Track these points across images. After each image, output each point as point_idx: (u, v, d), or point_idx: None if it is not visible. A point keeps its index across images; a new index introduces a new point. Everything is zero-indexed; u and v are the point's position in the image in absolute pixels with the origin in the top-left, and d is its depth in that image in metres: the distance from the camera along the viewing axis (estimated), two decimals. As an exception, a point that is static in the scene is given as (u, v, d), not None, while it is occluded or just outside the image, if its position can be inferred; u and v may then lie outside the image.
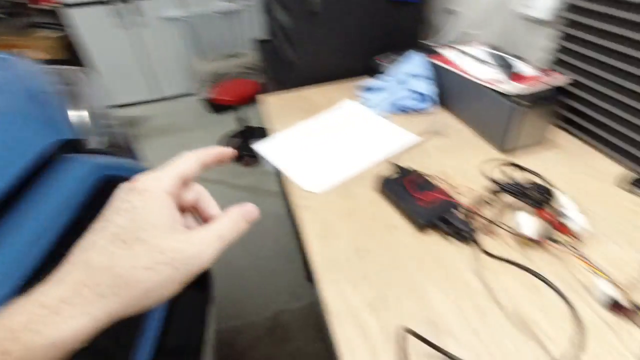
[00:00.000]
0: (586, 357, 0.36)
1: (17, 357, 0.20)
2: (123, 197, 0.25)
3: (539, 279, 0.41)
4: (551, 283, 0.40)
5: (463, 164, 0.63)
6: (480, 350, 0.37)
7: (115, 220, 0.24)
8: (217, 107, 2.33)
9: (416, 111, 0.81)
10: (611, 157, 0.63)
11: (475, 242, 0.48)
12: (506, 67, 0.66)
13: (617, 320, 0.39)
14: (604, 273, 0.42)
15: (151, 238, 0.24)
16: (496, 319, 0.40)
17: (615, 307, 0.40)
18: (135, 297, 0.23)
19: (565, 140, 0.68)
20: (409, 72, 0.81)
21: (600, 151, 0.65)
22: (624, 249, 0.47)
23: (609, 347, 0.37)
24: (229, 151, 0.31)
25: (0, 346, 0.19)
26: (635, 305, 0.39)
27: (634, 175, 0.57)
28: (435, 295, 0.43)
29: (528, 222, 0.47)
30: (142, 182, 0.25)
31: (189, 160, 0.28)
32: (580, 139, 0.68)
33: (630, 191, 0.55)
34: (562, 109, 0.70)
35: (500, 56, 0.70)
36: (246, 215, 0.29)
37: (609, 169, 0.60)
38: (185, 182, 0.28)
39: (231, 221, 0.28)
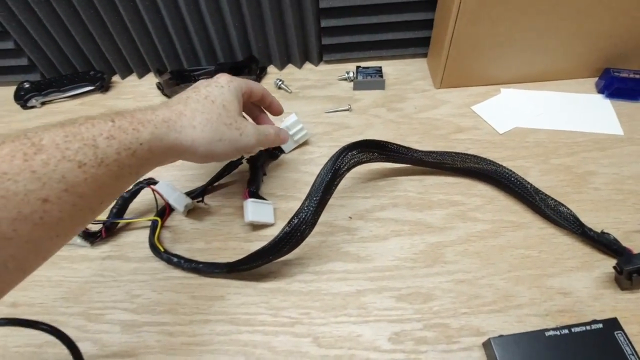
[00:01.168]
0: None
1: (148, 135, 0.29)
2: (212, 81, 0.36)
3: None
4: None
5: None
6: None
7: (208, 89, 0.35)
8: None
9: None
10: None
11: None
12: None
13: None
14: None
15: (231, 110, 0.35)
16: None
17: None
18: (215, 140, 0.33)
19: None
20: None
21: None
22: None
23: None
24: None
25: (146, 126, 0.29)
26: None
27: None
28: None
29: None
30: (231, 76, 0.37)
31: (258, 87, 0.40)
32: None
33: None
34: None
35: None
36: (281, 135, 0.41)
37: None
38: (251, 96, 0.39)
39: (270, 132, 0.39)
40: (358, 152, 0.38)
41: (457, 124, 0.51)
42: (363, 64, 0.59)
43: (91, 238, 0.41)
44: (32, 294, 0.39)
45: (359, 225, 0.42)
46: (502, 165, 0.42)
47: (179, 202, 0.42)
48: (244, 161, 0.46)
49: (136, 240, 0.42)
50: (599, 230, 0.38)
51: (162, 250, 0.40)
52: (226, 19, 0.55)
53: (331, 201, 0.44)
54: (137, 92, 0.60)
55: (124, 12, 0.53)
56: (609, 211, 0.41)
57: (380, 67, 0.57)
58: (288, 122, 0.47)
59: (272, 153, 0.48)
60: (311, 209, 0.34)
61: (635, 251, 0.36)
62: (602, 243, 0.37)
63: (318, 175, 0.36)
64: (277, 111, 0.44)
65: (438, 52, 0.52)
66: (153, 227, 0.42)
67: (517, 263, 0.38)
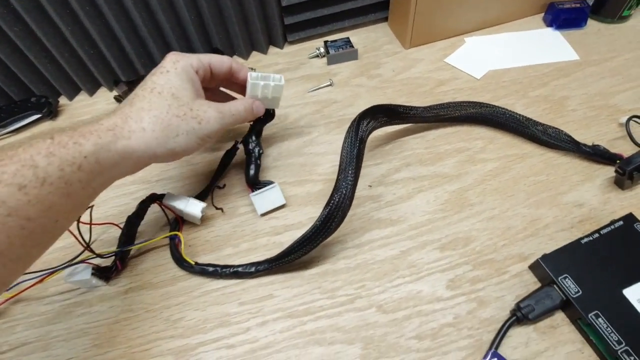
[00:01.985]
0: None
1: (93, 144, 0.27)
2: (158, 68, 0.32)
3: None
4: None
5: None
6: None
7: (153, 79, 0.32)
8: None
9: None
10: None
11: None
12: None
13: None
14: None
15: (183, 96, 0.31)
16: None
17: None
18: (170, 138, 0.30)
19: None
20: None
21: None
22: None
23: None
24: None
25: (91, 133, 0.27)
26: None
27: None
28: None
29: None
30: (178, 55, 0.33)
31: (219, 60, 0.36)
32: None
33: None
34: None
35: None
36: (254, 108, 0.38)
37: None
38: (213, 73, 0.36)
39: (239, 109, 0.36)
40: (370, 120, 0.38)
41: (436, 78, 0.53)
42: (328, 38, 0.58)
43: (106, 274, 0.36)
44: (56, 352, 0.34)
45: (381, 191, 0.42)
46: (494, 105, 0.45)
47: (193, 209, 0.38)
48: (239, 146, 0.43)
49: (155, 263, 0.39)
50: (590, 144, 0.42)
51: (193, 263, 0.37)
52: (181, 13, 0.50)
53: (346, 175, 0.44)
54: (93, 111, 0.54)
55: (60, 22, 0.46)
56: (589, 127, 0.45)
57: (348, 38, 0.57)
58: (253, 80, 0.37)
59: (261, 119, 0.42)
60: (349, 182, 0.34)
61: (625, 155, 0.41)
62: (597, 154, 0.41)
63: (343, 149, 0.35)
64: None
65: (403, 14, 0.53)
66: (174, 244, 0.38)
67: (532, 190, 0.41)
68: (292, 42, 0.59)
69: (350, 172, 0.34)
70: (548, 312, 0.32)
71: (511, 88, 0.50)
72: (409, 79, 0.53)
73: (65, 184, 0.25)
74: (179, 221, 0.40)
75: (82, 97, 0.56)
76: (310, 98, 0.52)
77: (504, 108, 0.44)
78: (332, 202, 0.33)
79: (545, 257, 0.34)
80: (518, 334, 0.32)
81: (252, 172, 0.40)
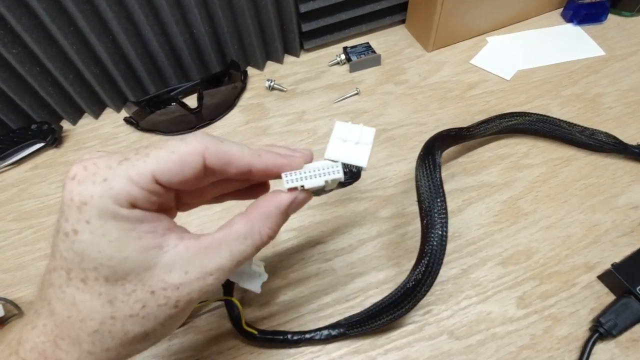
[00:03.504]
0: None
1: None
2: (64, 213, 0.16)
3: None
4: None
5: None
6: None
7: (60, 249, 0.16)
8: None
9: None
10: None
11: None
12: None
13: None
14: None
15: (126, 273, 0.16)
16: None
17: None
18: (127, 346, 0.18)
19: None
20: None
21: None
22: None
23: None
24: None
25: None
26: None
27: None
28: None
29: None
30: (87, 187, 0.16)
31: (192, 156, 0.17)
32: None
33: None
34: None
35: None
36: (281, 206, 0.21)
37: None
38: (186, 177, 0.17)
39: (246, 247, 0.19)
40: (439, 150, 0.33)
41: (465, 81, 0.51)
42: (345, 44, 0.56)
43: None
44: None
45: (430, 206, 0.40)
46: (533, 113, 0.43)
47: (252, 281, 0.30)
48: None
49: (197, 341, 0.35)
50: (635, 144, 0.41)
51: (256, 333, 0.32)
52: (195, 25, 0.47)
53: (391, 190, 0.42)
54: (101, 135, 0.49)
55: (64, 40, 0.42)
56: (629, 124, 0.45)
57: (368, 43, 0.54)
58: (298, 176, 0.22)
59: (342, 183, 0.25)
60: (442, 220, 0.28)
61: (672, 152, 0.40)
62: (645, 153, 0.40)
63: (421, 184, 0.30)
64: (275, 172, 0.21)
65: (426, 15, 0.51)
66: (232, 312, 0.33)
67: (584, 194, 0.40)
68: (308, 50, 0.56)
69: (437, 209, 0.28)
70: (632, 326, 0.31)
71: (543, 88, 0.49)
72: (436, 83, 0.51)
73: None
74: (231, 283, 0.33)
75: (87, 121, 0.51)
76: (337, 109, 0.49)
77: (542, 115, 0.43)
78: (427, 251, 0.28)
79: (617, 266, 0.33)
80: (600, 350, 0.31)
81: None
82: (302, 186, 0.21)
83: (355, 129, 0.25)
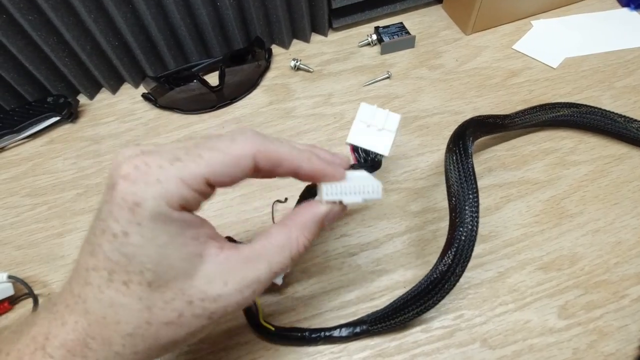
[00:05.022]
0: None
1: None
2: (109, 212, 0.15)
3: None
4: None
5: None
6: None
7: (104, 249, 0.16)
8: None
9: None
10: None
11: None
12: None
13: None
14: None
15: (168, 280, 0.16)
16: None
17: None
18: (155, 350, 0.17)
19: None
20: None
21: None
22: None
23: None
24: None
25: None
26: None
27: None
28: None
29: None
30: (140, 187, 0.15)
31: (244, 158, 0.17)
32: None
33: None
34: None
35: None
36: (316, 217, 0.20)
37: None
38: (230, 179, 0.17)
39: (284, 257, 0.19)
40: (471, 137, 0.31)
41: (506, 68, 0.47)
42: (377, 24, 0.52)
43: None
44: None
45: (464, 202, 0.37)
46: (582, 104, 0.39)
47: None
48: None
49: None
50: (699, 143, 0.37)
51: (273, 329, 0.30)
52: (218, -4, 0.44)
53: (422, 182, 0.39)
54: (118, 111, 0.48)
55: (82, 9, 0.40)
56: (690, 122, 0.40)
57: (402, 23, 0.51)
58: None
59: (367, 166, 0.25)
60: (473, 212, 0.26)
61: None
62: None
63: (450, 175, 0.28)
64: (327, 173, 0.20)
65: (466, -6, 0.47)
66: (248, 308, 0.31)
67: (638, 197, 0.36)
68: (336, 29, 0.53)
69: (466, 198, 0.26)
70: (691, 348, 0.28)
71: (593, 78, 0.45)
72: (475, 69, 0.47)
73: None
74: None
75: (104, 96, 0.49)
76: (367, 93, 0.46)
77: (592, 106, 0.39)
78: (455, 241, 0.26)
79: (676, 280, 0.30)
80: (652, 371, 0.28)
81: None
82: (341, 201, 0.21)
83: (380, 113, 0.25)
